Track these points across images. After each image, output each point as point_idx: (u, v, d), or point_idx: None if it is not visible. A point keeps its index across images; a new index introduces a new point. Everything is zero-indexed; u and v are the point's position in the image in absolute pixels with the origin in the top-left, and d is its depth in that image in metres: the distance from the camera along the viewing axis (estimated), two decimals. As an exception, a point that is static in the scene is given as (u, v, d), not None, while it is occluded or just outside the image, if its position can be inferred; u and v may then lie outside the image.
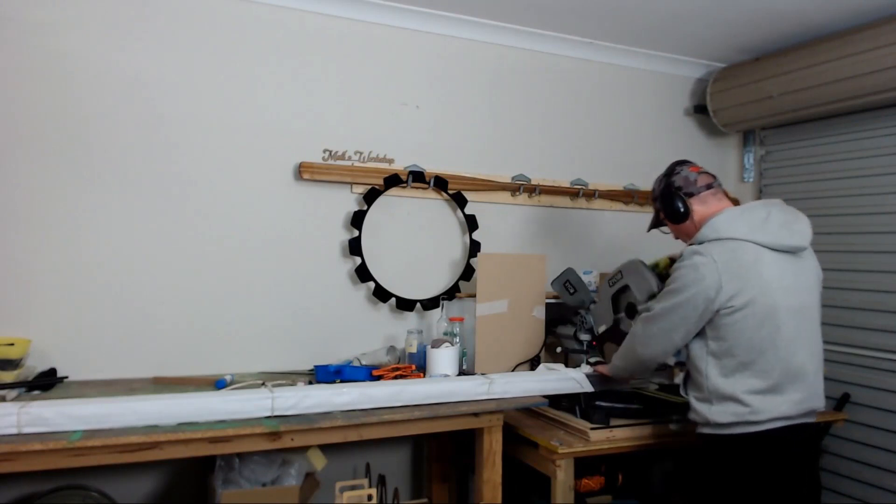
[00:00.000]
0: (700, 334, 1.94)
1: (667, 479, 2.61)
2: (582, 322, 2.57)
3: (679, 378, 2.14)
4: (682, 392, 2.05)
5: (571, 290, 2.63)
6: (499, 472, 2.15)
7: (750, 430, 1.85)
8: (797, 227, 1.95)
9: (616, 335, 2.49)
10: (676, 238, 2.20)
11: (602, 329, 2.53)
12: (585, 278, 2.86)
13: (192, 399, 1.82)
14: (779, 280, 1.88)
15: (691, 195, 2.04)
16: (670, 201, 2.06)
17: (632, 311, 2.44)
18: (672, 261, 2.37)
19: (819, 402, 1.95)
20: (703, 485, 1.98)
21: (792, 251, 1.93)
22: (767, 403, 1.85)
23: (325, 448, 2.25)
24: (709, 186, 2.05)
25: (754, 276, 1.86)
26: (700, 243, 1.94)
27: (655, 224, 2.26)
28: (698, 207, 2.03)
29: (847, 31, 2.75)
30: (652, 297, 2.30)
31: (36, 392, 2.04)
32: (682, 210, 2.04)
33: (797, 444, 1.91)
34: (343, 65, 2.70)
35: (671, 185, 2.07)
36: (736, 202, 3.43)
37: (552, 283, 2.68)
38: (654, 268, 2.38)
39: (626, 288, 2.45)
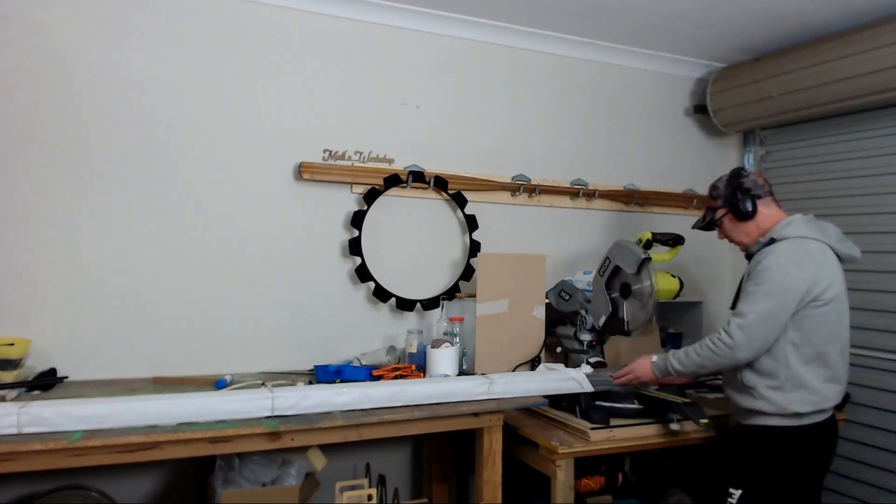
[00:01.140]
0: None
1: (667, 478, 2.61)
2: (582, 322, 2.57)
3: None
4: (745, 380, 2.06)
5: (566, 297, 2.67)
6: (499, 472, 2.15)
7: (821, 419, 2.02)
8: (850, 242, 2.14)
9: (615, 322, 2.51)
10: (723, 238, 2.28)
11: (602, 320, 2.55)
12: (585, 278, 2.86)
13: (192, 399, 1.82)
14: (841, 284, 2.08)
15: (759, 197, 2.17)
16: (742, 200, 2.16)
17: (626, 291, 2.48)
18: (654, 234, 2.46)
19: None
20: (767, 472, 2.02)
21: (849, 260, 2.12)
22: (831, 391, 2.04)
23: (325, 448, 2.25)
24: (770, 193, 2.21)
25: (837, 274, 2.06)
26: (780, 239, 2.05)
27: (708, 225, 2.29)
28: (763, 210, 2.17)
29: (847, 31, 2.75)
30: (641, 265, 2.39)
31: (36, 392, 2.04)
32: (750, 209, 2.15)
33: (836, 425, 2.14)
34: (343, 65, 2.70)
35: (742, 185, 2.18)
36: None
37: (548, 294, 2.71)
38: (638, 242, 2.50)
39: (616, 271, 2.50)
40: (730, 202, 2.19)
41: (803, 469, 2.02)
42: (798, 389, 1.99)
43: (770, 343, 1.99)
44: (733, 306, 2.14)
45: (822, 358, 2.01)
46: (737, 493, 2.03)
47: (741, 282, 2.14)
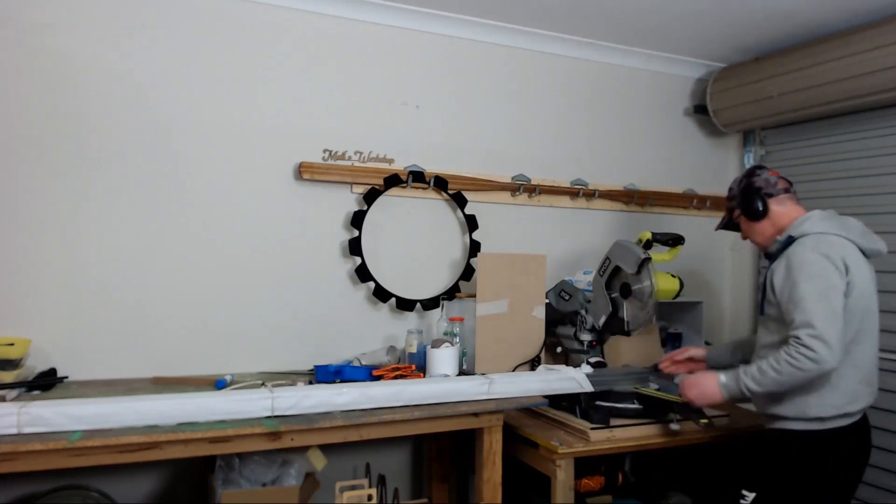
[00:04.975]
0: None
1: (667, 479, 2.61)
2: (582, 322, 2.57)
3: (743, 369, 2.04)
4: None
5: (567, 297, 2.67)
6: (499, 472, 2.15)
7: (846, 423, 1.94)
8: (874, 237, 2.06)
9: (615, 322, 2.51)
10: (745, 238, 2.24)
11: (602, 320, 2.55)
12: (585, 278, 2.86)
13: (192, 399, 1.82)
14: (869, 278, 2.00)
15: (770, 196, 2.13)
16: (751, 200, 2.13)
17: (626, 291, 2.48)
18: (654, 234, 2.45)
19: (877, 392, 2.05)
20: (783, 477, 1.97)
21: (874, 255, 2.04)
22: (861, 393, 1.96)
23: (325, 448, 2.26)
24: (786, 190, 2.15)
25: (860, 268, 1.96)
26: (799, 237, 2.00)
27: (727, 225, 2.28)
28: (777, 208, 2.12)
29: (847, 31, 2.75)
30: (641, 265, 2.38)
31: (36, 392, 2.04)
32: (761, 209, 2.11)
33: (869, 431, 2.05)
34: (343, 65, 2.70)
35: (752, 185, 2.14)
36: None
37: (548, 294, 2.72)
38: (638, 242, 2.49)
39: (616, 271, 2.50)
40: (741, 202, 2.16)
41: (823, 475, 1.94)
42: (821, 390, 1.92)
43: (846, 336, 1.89)
44: (762, 312, 2.10)
45: (849, 356, 1.92)
46: (750, 495, 1.98)
47: (764, 285, 2.07)
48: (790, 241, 2.02)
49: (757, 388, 1.94)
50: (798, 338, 1.86)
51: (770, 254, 2.12)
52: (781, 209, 2.11)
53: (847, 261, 1.93)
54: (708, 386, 2.06)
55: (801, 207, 2.14)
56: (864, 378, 1.96)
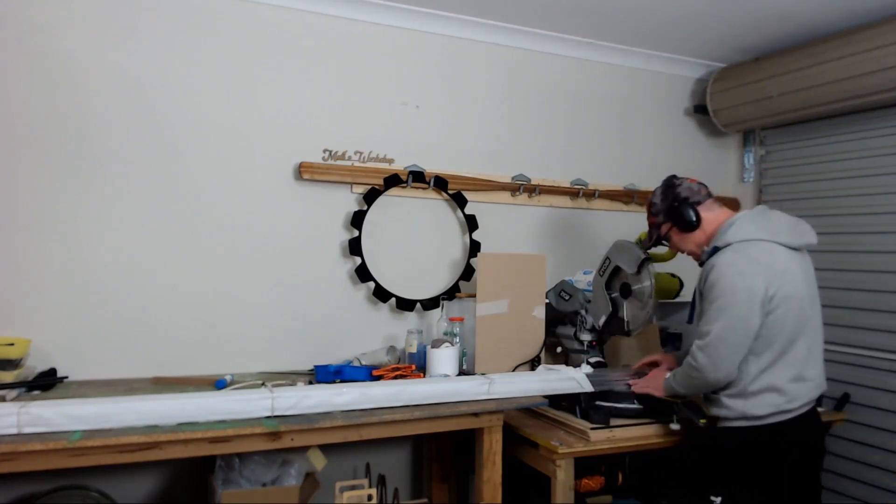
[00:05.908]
0: None
1: (667, 478, 2.61)
2: (582, 322, 2.57)
3: None
4: (708, 391, 2.07)
5: (566, 297, 2.67)
6: (499, 472, 2.15)
7: (785, 418, 1.96)
8: (803, 228, 2.08)
9: (615, 322, 2.51)
10: (675, 249, 2.26)
11: (602, 320, 2.55)
12: (585, 278, 2.86)
13: (192, 399, 1.82)
14: (799, 274, 2.00)
15: (698, 203, 2.13)
16: (681, 212, 2.12)
17: (626, 291, 2.48)
18: None
19: (825, 384, 2.08)
20: (739, 476, 2.00)
21: (805, 248, 2.06)
22: (800, 390, 1.97)
23: (325, 448, 2.25)
24: (709, 195, 2.16)
25: (786, 272, 1.97)
26: (723, 247, 2.00)
27: (656, 241, 2.27)
28: (706, 215, 2.13)
29: (847, 31, 2.75)
30: (641, 265, 2.40)
31: (36, 392, 2.04)
32: (694, 219, 2.11)
33: (817, 423, 2.07)
34: (343, 65, 2.70)
35: (678, 197, 2.14)
36: (736, 202, 3.46)
37: (548, 294, 2.72)
38: (638, 242, 2.49)
39: (616, 271, 2.51)
40: (671, 216, 2.15)
41: (775, 468, 1.96)
42: (759, 394, 1.96)
43: (738, 359, 1.95)
44: (689, 320, 2.14)
45: (781, 358, 1.96)
46: (717, 500, 2.01)
47: (695, 294, 2.11)
48: (715, 251, 2.02)
49: (677, 388, 2.13)
50: (692, 349, 2.01)
51: (701, 263, 2.12)
52: (711, 215, 2.12)
53: (768, 274, 1.93)
54: (656, 382, 2.24)
55: (726, 209, 2.15)
56: (797, 375, 1.97)
